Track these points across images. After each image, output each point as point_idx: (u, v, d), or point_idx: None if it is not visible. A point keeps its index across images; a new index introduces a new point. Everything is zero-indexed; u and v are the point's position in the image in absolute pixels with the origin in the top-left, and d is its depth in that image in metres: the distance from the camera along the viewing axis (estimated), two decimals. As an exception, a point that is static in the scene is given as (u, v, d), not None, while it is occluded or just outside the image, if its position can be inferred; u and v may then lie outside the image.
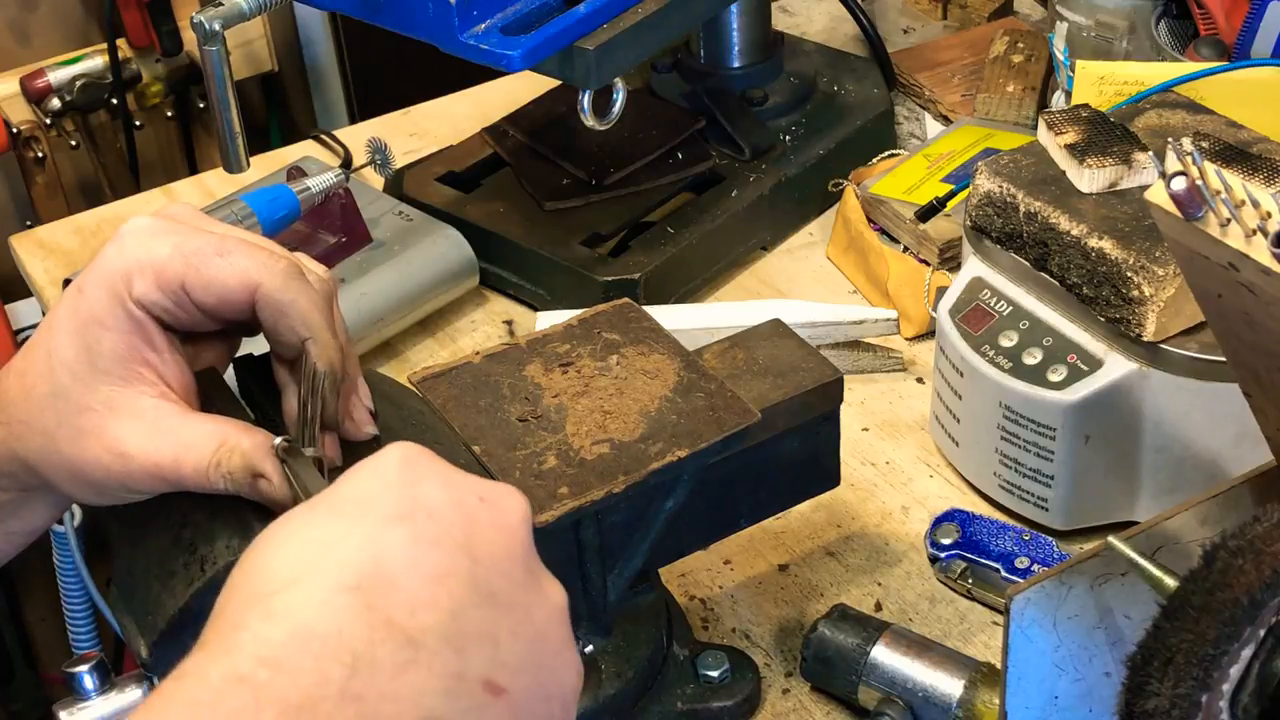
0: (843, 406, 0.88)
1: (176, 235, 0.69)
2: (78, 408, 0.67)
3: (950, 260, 1.15)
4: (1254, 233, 0.58)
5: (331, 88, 2.30)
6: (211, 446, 0.66)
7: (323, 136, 1.48)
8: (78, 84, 2.05)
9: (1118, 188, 0.94)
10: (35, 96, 2.03)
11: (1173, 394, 0.89)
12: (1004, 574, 0.94)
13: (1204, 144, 0.91)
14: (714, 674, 0.85)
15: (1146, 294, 0.87)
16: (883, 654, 0.84)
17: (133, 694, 0.69)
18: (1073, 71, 1.15)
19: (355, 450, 0.71)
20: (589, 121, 1.04)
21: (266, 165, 1.36)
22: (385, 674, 0.50)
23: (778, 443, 0.85)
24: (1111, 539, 0.66)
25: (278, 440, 0.71)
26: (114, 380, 0.67)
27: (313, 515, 0.55)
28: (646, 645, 0.84)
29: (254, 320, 0.70)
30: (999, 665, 0.72)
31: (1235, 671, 0.56)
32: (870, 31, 1.43)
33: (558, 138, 1.30)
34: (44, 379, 0.68)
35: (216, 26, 1.01)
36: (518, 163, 1.30)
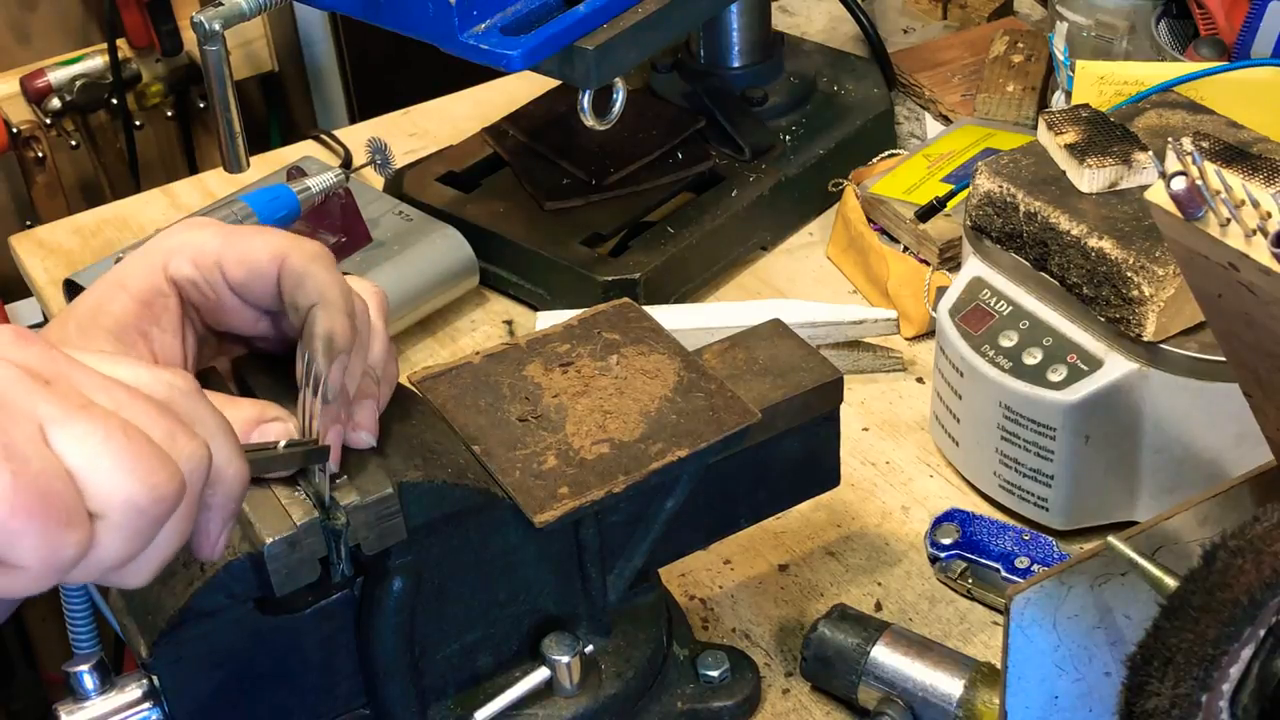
0: (843, 406, 0.88)
1: (219, 225, 0.74)
2: None
3: (950, 260, 1.15)
4: (1254, 233, 0.58)
5: (331, 88, 2.30)
6: None
7: (323, 136, 1.48)
8: (78, 84, 2.05)
9: (1118, 188, 0.94)
10: (35, 96, 2.03)
11: (1173, 394, 0.89)
12: (1004, 574, 0.94)
13: (1204, 144, 0.91)
14: (714, 674, 0.85)
15: (1146, 294, 0.87)
16: (883, 654, 0.84)
17: (133, 694, 0.69)
18: (1073, 71, 1.15)
19: (353, 458, 0.70)
20: (589, 121, 1.04)
21: (266, 165, 1.36)
22: None
23: (778, 443, 0.85)
24: (1111, 539, 0.66)
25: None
26: (109, 338, 0.70)
27: None
28: (646, 645, 0.84)
29: (276, 302, 0.71)
30: (999, 665, 0.72)
31: (1235, 671, 0.56)
32: (870, 31, 1.43)
33: (558, 138, 1.30)
34: (55, 327, 0.72)
35: (216, 26, 1.01)
36: (518, 163, 1.30)
